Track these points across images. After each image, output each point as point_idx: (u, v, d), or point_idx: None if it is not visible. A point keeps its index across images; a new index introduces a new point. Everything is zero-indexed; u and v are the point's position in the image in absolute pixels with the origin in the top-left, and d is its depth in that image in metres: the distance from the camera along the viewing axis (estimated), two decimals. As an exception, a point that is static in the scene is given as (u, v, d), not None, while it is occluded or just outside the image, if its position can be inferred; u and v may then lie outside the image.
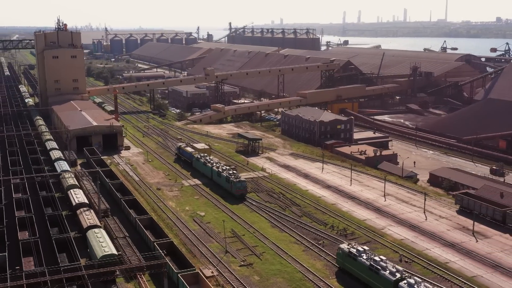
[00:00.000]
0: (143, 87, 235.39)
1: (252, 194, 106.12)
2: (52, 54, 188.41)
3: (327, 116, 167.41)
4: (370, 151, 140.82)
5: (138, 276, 70.65)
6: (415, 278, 62.46)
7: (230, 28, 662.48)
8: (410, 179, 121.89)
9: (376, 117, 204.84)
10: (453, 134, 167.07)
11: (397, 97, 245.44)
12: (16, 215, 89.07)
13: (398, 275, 63.46)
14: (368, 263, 67.50)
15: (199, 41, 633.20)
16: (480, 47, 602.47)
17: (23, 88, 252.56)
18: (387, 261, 67.11)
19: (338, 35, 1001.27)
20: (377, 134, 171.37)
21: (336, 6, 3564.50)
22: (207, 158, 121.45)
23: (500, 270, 73.17)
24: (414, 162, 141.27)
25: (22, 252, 75.30)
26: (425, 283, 62.17)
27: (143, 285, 69.17)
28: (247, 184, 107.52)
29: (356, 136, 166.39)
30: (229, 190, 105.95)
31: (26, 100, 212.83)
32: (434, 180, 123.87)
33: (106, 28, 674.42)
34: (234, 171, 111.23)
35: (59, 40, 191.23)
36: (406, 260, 76.51)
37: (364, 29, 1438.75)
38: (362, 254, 69.43)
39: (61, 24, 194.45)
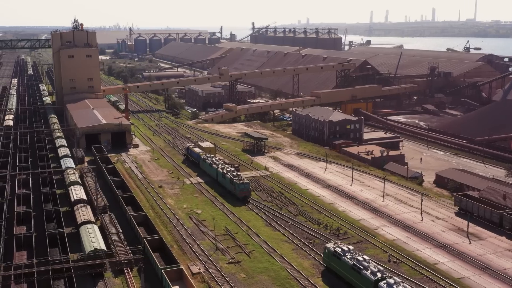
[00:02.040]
0: (158, 86, 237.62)
1: (251, 193, 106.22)
2: (68, 53, 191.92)
3: (337, 116, 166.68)
4: (377, 151, 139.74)
5: (125, 271, 72.04)
6: (395, 278, 62.12)
7: (253, 28, 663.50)
8: (415, 180, 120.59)
9: (390, 117, 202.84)
10: (467, 135, 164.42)
11: (414, 98, 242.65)
12: (16, 210, 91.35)
13: (379, 275, 63.18)
14: (351, 262, 67.31)
15: (221, 40, 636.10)
16: (508, 47, 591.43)
17: (42, 87, 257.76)
18: (370, 261, 66.83)
19: (364, 35, 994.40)
20: (388, 135, 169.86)
21: (363, 6, 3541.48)
22: (213, 159, 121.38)
23: (489, 272, 71.98)
24: (421, 159, 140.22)
25: (16, 246, 77.50)
26: (405, 284, 61.74)
27: (129, 280, 70.40)
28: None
29: (367, 136, 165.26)
30: (233, 192, 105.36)
31: (44, 98, 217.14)
32: (440, 181, 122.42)
33: (130, 28, 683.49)
34: (238, 173, 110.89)
35: (74, 40, 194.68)
36: (395, 260, 75.86)
37: (390, 29, 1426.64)
38: (346, 254, 69.22)
39: (77, 23, 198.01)
